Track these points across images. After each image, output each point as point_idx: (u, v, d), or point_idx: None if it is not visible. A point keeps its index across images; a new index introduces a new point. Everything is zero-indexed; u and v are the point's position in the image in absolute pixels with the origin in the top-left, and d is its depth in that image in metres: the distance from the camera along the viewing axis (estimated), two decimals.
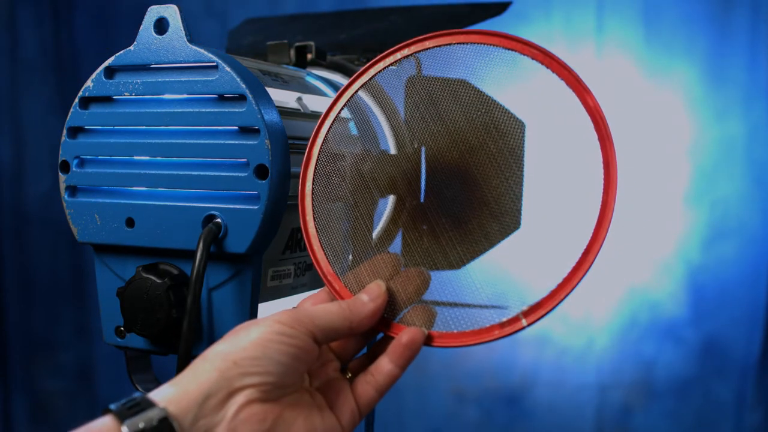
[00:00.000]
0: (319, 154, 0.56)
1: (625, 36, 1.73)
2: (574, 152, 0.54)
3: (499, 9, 0.85)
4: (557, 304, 0.51)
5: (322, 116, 0.57)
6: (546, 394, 1.82)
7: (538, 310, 0.51)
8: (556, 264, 0.52)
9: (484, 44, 0.53)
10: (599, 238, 0.50)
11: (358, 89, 0.56)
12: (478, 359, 1.84)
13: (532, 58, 0.52)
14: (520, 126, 0.53)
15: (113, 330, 0.61)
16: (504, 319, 0.51)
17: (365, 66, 0.56)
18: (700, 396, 1.74)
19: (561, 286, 0.51)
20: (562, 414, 1.81)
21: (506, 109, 0.53)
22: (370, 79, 0.56)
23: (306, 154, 0.57)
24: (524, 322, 0.51)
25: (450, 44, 0.54)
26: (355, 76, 0.57)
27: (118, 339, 0.61)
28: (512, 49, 0.52)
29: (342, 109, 0.57)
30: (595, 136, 0.50)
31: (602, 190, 0.50)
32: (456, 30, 0.54)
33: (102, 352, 2.00)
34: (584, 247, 0.50)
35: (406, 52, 0.55)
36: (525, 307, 0.51)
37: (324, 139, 0.56)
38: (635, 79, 1.73)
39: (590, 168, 0.51)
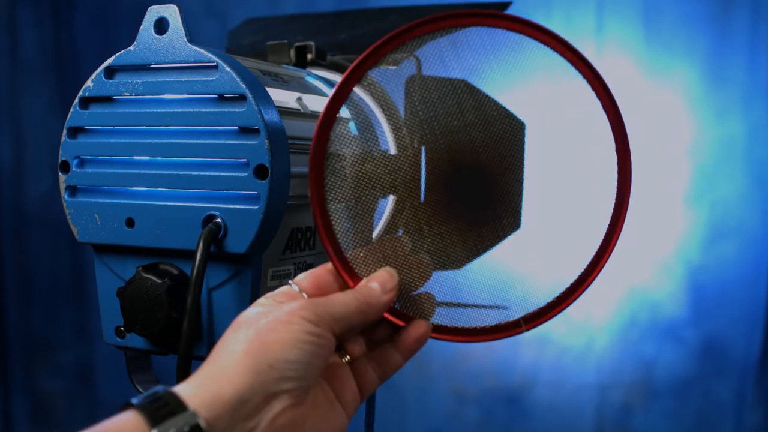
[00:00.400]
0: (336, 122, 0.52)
1: (625, 36, 1.73)
2: (590, 168, 0.54)
3: (499, 9, 0.85)
4: (558, 313, 0.51)
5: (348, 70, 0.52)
6: (546, 394, 1.82)
7: (538, 318, 0.51)
8: (561, 273, 0.52)
9: (524, 35, 0.51)
10: (606, 252, 0.51)
11: (393, 48, 0.52)
12: (479, 359, 1.84)
13: (575, 68, 0.51)
14: (520, 126, 0.53)
15: (113, 330, 0.61)
16: (504, 322, 0.52)
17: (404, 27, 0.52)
18: (700, 396, 1.74)
19: (562, 297, 0.52)
20: (562, 414, 1.81)
21: (507, 110, 0.53)
22: (404, 42, 0.51)
23: (324, 113, 0.52)
24: (524, 327, 0.51)
25: (484, 26, 0.51)
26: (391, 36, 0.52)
27: (118, 339, 0.61)
28: (560, 54, 0.51)
29: (372, 66, 0.52)
30: (615, 161, 0.51)
31: (612, 213, 0.51)
32: (492, 12, 0.51)
33: (102, 352, 2.00)
34: (590, 260, 0.51)
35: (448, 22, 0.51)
36: (526, 314, 0.51)
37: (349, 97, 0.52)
38: (635, 79, 1.73)
39: (604, 187, 0.51)
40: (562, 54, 0.51)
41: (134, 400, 0.40)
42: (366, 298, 0.48)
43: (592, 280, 0.51)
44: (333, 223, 0.52)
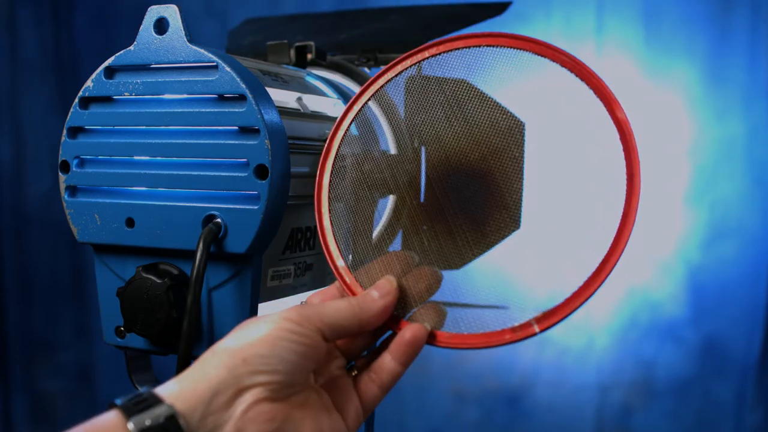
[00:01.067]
0: (339, 146, 0.55)
1: (625, 36, 1.73)
2: (597, 161, 0.54)
3: (499, 9, 0.85)
4: (570, 313, 0.50)
5: (346, 106, 0.57)
6: (546, 394, 1.82)
7: (550, 317, 0.50)
8: (572, 272, 0.51)
9: (514, 48, 0.52)
10: (618, 249, 0.49)
11: (384, 84, 0.55)
12: (479, 360, 1.84)
13: (561, 65, 0.51)
14: (519, 126, 0.53)
15: (113, 330, 0.61)
16: (516, 324, 0.51)
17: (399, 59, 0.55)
18: (700, 396, 1.74)
19: (575, 296, 0.50)
20: (562, 414, 1.81)
21: (507, 109, 0.53)
22: (398, 74, 0.55)
23: (326, 144, 0.56)
24: (536, 328, 0.50)
25: (479, 46, 0.53)
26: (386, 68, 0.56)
27: (118, 339, 0.61)
28: (541, 55, 0.51)
29: (368, 101, 0.56)
30: (620, 147, 0.50)
31: (624, 202, 0.49)
32: (482, 33, 0.53)
33: (102, 352, 2.00)
34: (602, 257, 0.50)
35: (434, 51, 0.54)
36: (538, 314, 0.50)
37: (346, 131, 0.55)
38: (635, 79, 1.73)
39: (612, 178, 0.50)
40: (563, 65, 0.51)
41: (117, 401, 0.43)
42: (359, 302, 0.50)
43: (606, 277, 0.50)
44: (337, 239, 0.54)
